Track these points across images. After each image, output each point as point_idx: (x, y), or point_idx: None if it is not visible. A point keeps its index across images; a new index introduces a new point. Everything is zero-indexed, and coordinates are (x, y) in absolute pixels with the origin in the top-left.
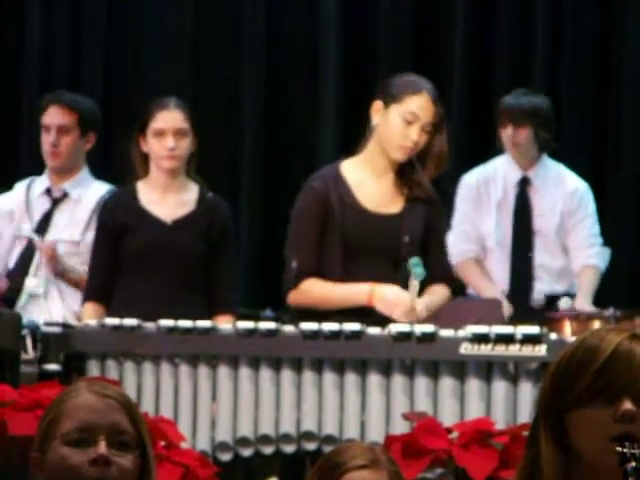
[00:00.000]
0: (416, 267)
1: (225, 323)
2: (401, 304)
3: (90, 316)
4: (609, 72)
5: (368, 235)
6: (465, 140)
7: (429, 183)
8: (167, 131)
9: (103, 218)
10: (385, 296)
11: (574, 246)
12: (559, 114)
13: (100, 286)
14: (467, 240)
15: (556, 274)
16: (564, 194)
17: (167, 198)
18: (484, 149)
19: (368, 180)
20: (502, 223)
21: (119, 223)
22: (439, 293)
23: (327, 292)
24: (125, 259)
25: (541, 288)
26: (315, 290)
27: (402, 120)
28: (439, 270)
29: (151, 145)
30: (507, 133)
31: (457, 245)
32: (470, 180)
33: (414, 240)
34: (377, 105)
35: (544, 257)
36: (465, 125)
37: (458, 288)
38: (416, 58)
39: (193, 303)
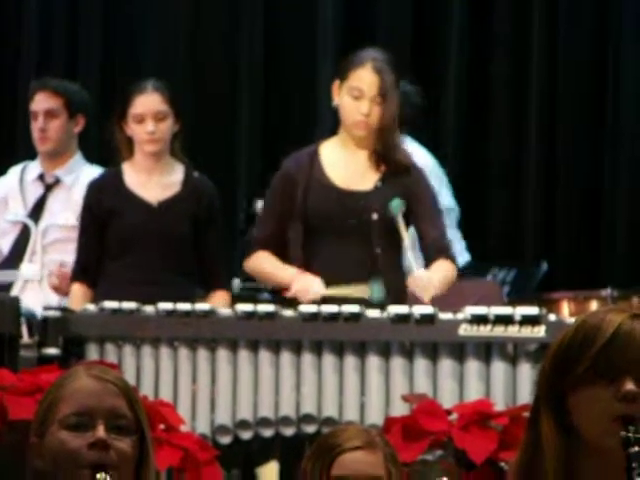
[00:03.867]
0: (393, 202)
1: (222, 300)
2: (312, 292)
3: (78, 297)
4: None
5: (334, 211)
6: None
7: (408, 157)
8: (146, 115)
9: (89, 200)
10: (302, 278)
11: None
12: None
13: (87, 267)
14: None
15: None
16: None
17: (152, 180)
18: None
19: (343, 158)
20: None
21: (105, 205)
22: (439, 270)
23: (264, 268)
24: (112, 241)
25: None
26: (257, 263)
27: (350, 97)
28: (433, 245)
29: (133, 130)
30: None
31: None
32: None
33: (384, 218)
34: (335, 85)
35: None
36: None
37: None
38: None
39: (180, 285)
